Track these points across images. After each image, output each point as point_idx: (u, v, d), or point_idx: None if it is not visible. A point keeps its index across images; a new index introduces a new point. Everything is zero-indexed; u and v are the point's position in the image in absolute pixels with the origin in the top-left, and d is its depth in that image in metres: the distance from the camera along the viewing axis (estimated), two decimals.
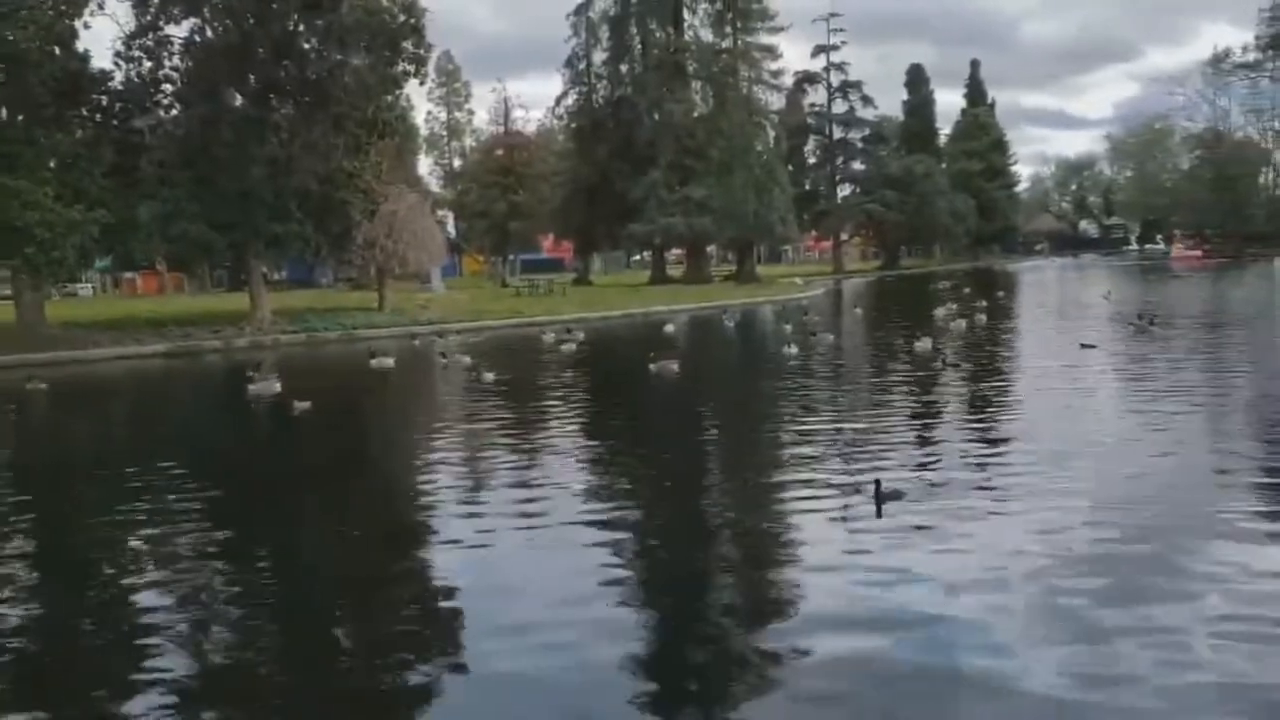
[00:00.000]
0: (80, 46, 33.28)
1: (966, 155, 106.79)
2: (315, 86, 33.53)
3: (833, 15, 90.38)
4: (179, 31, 34.12)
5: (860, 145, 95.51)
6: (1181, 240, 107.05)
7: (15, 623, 7.39)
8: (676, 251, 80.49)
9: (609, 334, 34.44)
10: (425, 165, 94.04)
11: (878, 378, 19.80)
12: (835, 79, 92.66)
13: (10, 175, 29.18)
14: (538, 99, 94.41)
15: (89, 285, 73.28)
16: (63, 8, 31.85)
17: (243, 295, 41.87)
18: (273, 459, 14.61)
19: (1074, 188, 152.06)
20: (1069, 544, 7.98)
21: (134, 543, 9.40)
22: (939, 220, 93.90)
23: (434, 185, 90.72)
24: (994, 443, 12.43)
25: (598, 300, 48.36)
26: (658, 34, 72.34)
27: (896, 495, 9.29)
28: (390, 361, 23.94)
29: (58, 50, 31.75)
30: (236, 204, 33.13)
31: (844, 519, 9.01)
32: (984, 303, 36.18)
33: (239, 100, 34.67)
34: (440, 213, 75.84)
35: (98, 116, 34.09)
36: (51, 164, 32.05)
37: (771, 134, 77.84)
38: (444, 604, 7.62)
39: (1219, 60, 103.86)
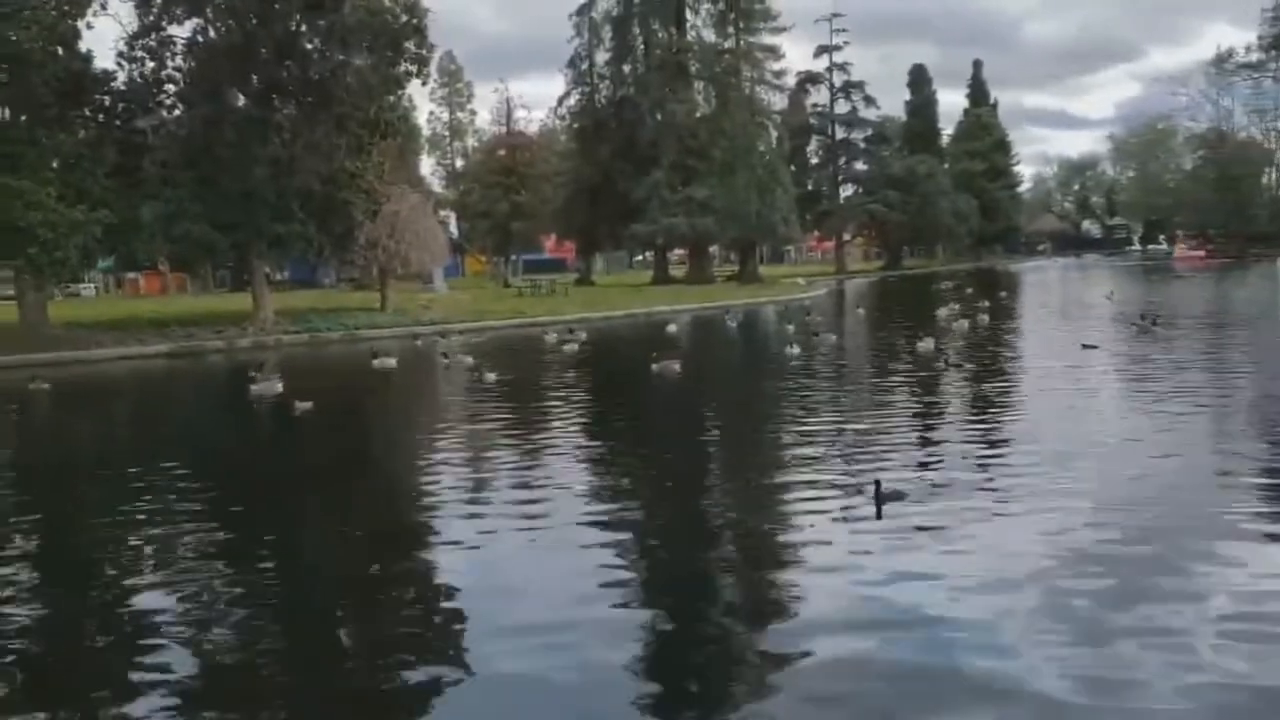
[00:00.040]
0: (83, 47, 33.38)
1: (969, 155, 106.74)
2: (318, 87, 33.54)
3: (835, 15, 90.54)
4: (182, 32, 34.22)
5: (863, 145, 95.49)
6: (1184, 240, 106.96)
7: (18, 622, 7.39)
8: (679, 252, 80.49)
9: (611, 334, 34.43)
10: (428, 165, 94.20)
11: (880, 378, 19.80)
12: (838, 79, 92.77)
13: (13, 175, 29.22)
14: (540, 99, 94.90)
15: (92, 285, 73.39)
16: (65, 8, 31.90)
17: (245, 295, 41.89)
18: (274, 459, 14.61)
19: (1076, 188, 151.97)
20: (1071, 545, 7.96)
21: (136, 542, 9.43)
22: (941, 220, 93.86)
23: (436, 185, 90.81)
24: (996, 443, 12.42)
25: (600, 300, 48.35)
26: (660, 34, 72.35)
27: (897, 496, 9.28)
28: (392, 362, 23.94)
29: (60, 50, 31.80)
30: (239, 204, 33.14)
31: (845, 519, 9.00)
32: (986, 303, 36.17)
33: (241, 100, 34.67)
34: (442, 213, 75.81)
35: (100, 117, 34.13)
36: (54, 164, 32.08)
37: (774, 134, 77.88)
38: (446, 604, 7.62)
39: (1222, 60, 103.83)
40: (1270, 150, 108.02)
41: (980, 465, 11.05)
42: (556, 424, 15.67)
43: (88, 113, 33.82)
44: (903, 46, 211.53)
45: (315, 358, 30.37)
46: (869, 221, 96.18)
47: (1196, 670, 5.75)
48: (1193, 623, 6.39)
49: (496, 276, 78.30)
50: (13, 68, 30.50)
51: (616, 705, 5.70)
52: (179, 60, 34.10)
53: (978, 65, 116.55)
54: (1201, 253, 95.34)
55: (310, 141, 33.38)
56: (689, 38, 72.71)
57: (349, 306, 42.16)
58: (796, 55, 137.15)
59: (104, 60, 34.31)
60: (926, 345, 22.79)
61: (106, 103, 34.07)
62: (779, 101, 78.48)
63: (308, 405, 17.20)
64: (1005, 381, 18.71)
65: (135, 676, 6.36)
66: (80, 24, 32.75)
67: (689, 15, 72.94)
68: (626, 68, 73.32)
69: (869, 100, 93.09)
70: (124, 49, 33.53)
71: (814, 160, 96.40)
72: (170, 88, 34.42)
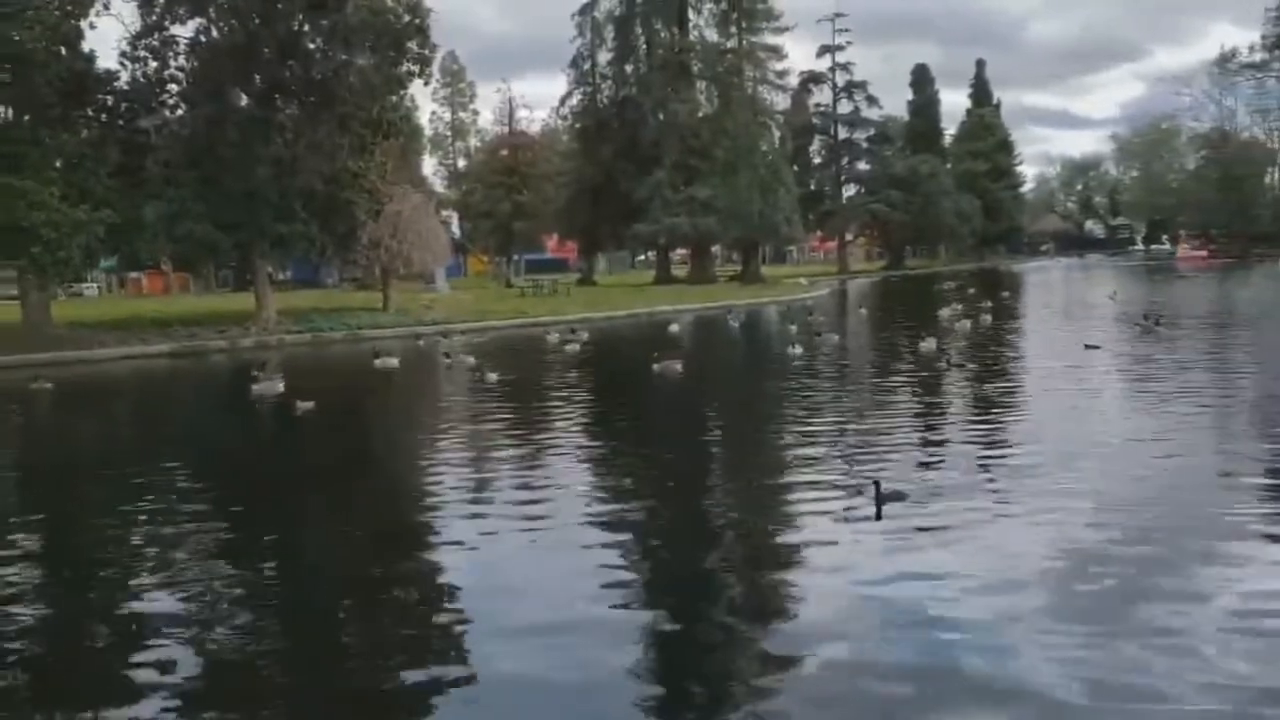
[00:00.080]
0: (86, 47, 33.35)
1: (972, 155, 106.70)
2: (320, 86, 33.56)
3: (838, 15, 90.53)
4: (184, 31, 34.21)
5: (865, 145, 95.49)
6: (1187, 240, 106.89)
7: (20, 622, 7.40)
8: (681, 252, 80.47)
9: (613, 334, 34.44)
10: (430, 165, 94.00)
11: (882, 378, 19.78)
12: (840, 79, 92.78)
13: (16, 175, 29.25)
14: (542, 99, 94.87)
15: (94, 285, 73.47)
16: (68, 8, 31.92)
17: (248, 295, 41.92)
18: (275, 459, 14.61)
19: (1079, 188, 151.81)
20: (1074, 545, 7.95)
21: (138, 542, 9.43)
22: (944, 220, 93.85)
23: (439, 185, 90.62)
24: (998, 444, 12.40)
25: (602, 300, 48.35)
26: (663, 34, 72.33)
27: (898, 496, 9.27)
28: (394, 361, 23.95)
29: (63, 50, 31.80)
30: (242, 204, 33.17)
31: (846, 520, 8.99)
32: (989, 303, 36.16)
33: (244, 100, 34.70)
34: (445, 213, 75.91)
35: (103, 116, 34.14)
36: (57, 164, 32.10)
37: (776, 134, 77.84)
38: (447, 605, 7.61)
39: (1225, 60, 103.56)
40: (1273, 150, 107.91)
41: (982, 465, 11.03)
42: (558, 424, 15.67)
43: (91, 112, 33.83)
44: (905, 46, 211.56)
45: (318, 357, 30.38)
46: (871, 221, 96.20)
47: (1201, 671, 5.74)
48: (1196, 624, 6.38)
49: (498, 276, 78.34)
50: (16, 68, 30.53)
51: (618, 706, 5.69)
52: (182, 60, 34.13)
53: (980, 65, 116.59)
54: (1204, 253, 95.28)
55: (313, 141, 33.40)
56: (691, 37, 72.75)
57: (351, 306, 42.19)
58: (799, 55, 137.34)
59: (107, 60, 34.39)
60: (929, 345, 22.78)
61: (109, 102, 34.09)
62: (781, 101, 78.52)
63: (309, 405, 17.21)
64: (1007, 382, 18.69)
65: (137, 676, 6.35)
66: (83, 24, 32.75)
67: (691, 15, 72.99)
68: (629, 67, 73.32)
69: (871, 100, 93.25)
70: (127, 49, 33.58)
71: (816, 160, 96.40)
72: (173, 87, 34.44)
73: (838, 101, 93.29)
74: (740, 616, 7.14)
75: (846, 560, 7.95)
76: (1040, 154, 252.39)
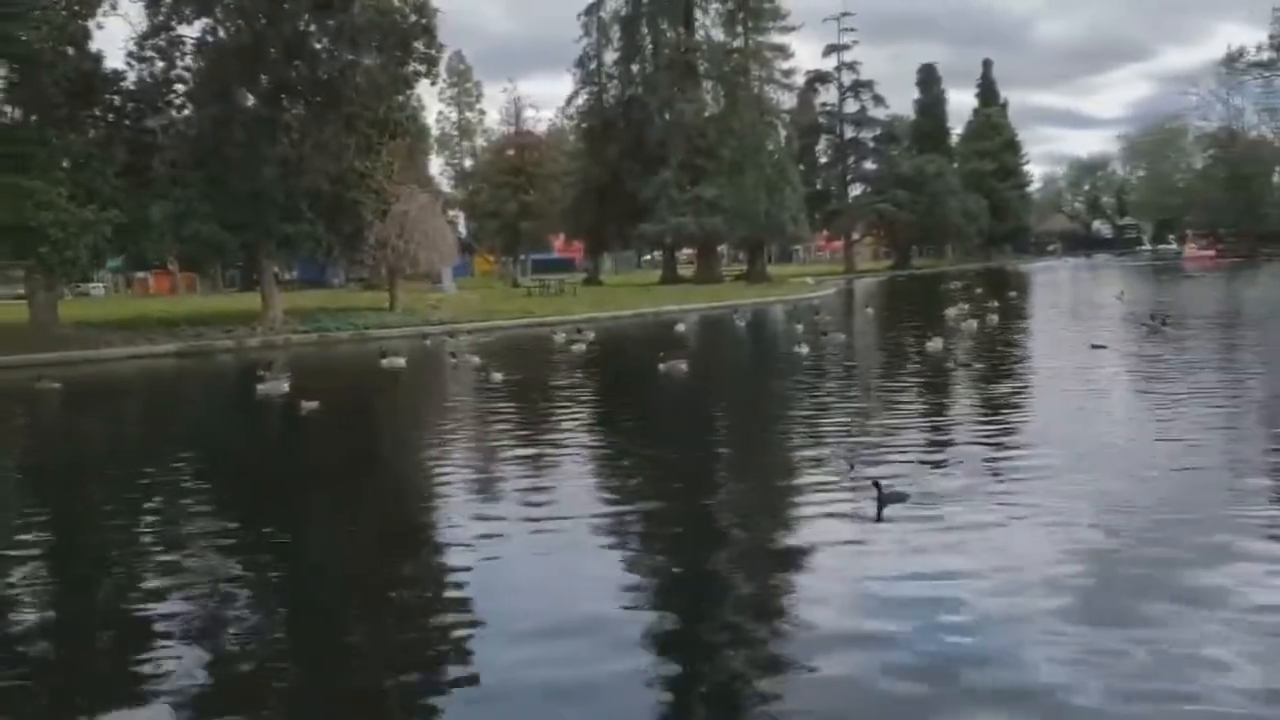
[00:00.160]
0: (93, 47, 33.54)
1: (979, 155, 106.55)
2: (327, 86, 33.59)
3: (844, 15, 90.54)
4: (191, 31, 34.28)
5: (872, 145, 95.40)
6: (1195, 240, 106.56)
7: (25, 621, 7.42)
8: (687, 251, 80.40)
9: (620, 334, 34.42)
10: (436, 165, 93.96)
11: (889, 378, 19.74)
12: (847, 78, 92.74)
13: (24, 175, 29.35)
14: (548, 99, 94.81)
15: (101, 285, 73.60)
16: (76, 8, 32.04)
17: (254, 295, 41.98)
18: (279, 459, 14.63)
19: (1087, 188, 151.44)
20: (1079, 546, 7.93)
21: (143, 542, 9.46)
22: (951, 220, 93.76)
23: (445, 185, 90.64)
24: (1004, 444, 12.37)
25: (608, 300, 48.36)
26: (669, 34, 72.29)
27: (900, 498, 9.24)
28: (401, 361, 23.97)
29: (71, 50, 31.92)
30: (248, 204, 33.22)
31: (850, 519, 8.98)
32: (996, 303, 36.05)
33: (251, 100, 34.76)
34: (451, 213, 75.94)
35: (110, 116, 34.23)
36: (65, 164, 32.21)
37: (783, 133, 77.68)
38: (453, 605, 7.60)
39: (1233, 59, 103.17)
40: None
41: (988, 465, 11.02)
42: (564, 424, 15.66)
43: (98, 112, 33.93)
44: (912, 46, 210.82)
45: (324, 357, 30.42)
46: (878, 221, 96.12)
47: (1212, 673, 5.71)
48: (1203, 626, 6.36)
49: (505, 276, 78.37)
50: (23, 68, 30.65)
51: (624, 709, 5.70)
52: (188, 60, 34.19)
53: (987, 65, 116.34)
54: (1211, 252, 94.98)
55: (319, 141, 33.44)
56: (697, 37, 72.69)
57: (358, 306, 42.24)
58: (805, 54, 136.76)
59: (114, 60, 34.54)
60: (935, 345, 22.74)
61: (116, 102, 34.18)
62: (788, 101, 78.49)
63: (313, 405, 17.21)
64: (1014, 382, 18.62)
65: (141, 676, 6.36)
66: (90, 24, 32.92)
67: (697, 14, 72.92)
68: (635, 67, 73.34)
69: (878, 99, 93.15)
70: (134, 49, 33.63)
71: (823, 159, 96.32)
72: (180, 87, 34.49)
73: (844, 101, 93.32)
74: (745, 618, 7.11)
75: (851, 561, 7.94)
76: (1047, 154, 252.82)
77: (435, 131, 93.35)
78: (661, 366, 20.71)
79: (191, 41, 34.15)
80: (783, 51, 73.69)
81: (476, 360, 23.75)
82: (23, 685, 6.41)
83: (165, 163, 33.59)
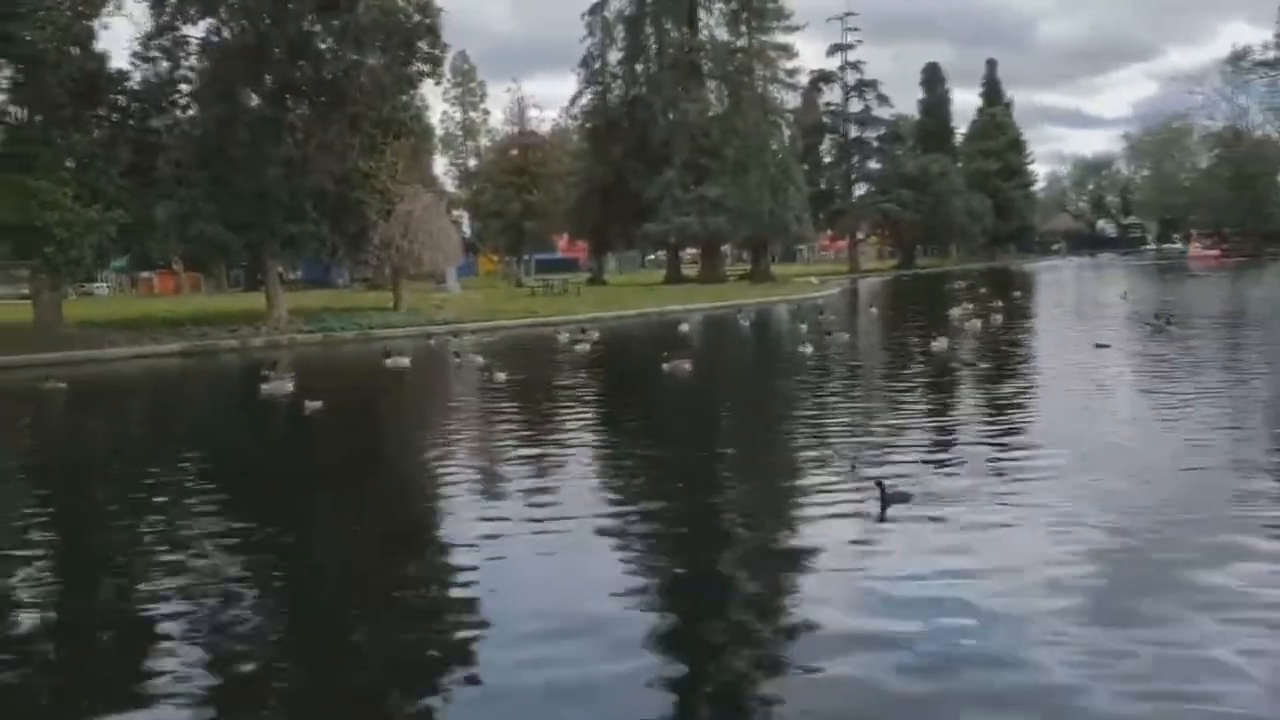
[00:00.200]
0: (98, 47, 33.58)
1: (983, 154, 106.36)
2: (331, 86, 33.63)
3: (848, 14, 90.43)
4: (196, 32, 34.37)
5: (876, 144, 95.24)
6: (1199, 239, 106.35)
7: (30, 620, 7.44)
8: (691, 251, 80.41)
9: (623, 333, 34.43)
10: (440, 165, 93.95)
11: (893, 378, 19.72)
12: (851, 78, 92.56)
13: (29, 175, 29.40)
14: (552, 99, 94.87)
15: (106, 285, 73.68)
16: (80, 8, 32.09)
17: (259, 295, 42.04)
18: (282, 459, 14.64)
19: (1091, 187, 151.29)
20: (1083, 547, 7.92)
21: (147, 541, 9.46)
22: (955, 220, 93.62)
23: (449, 185, 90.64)
24: (1008, 444, 12.35)
25: (612, 300, 48.35)
26: (673, 33, 72.25)
27: (903, 498, 9.23)
28: (405, 361, 23.99)
29: (76, 51, 31.97)
30: (252, 204, 33.26)
31: (855, 518, 8.97)
32: (1000, 303, 36.02)
33: (255, 100, 34.80)
34: (455, 213, 75.96)
35: (115, 116, 34.29)
36: (69, 164, 32.25)
37: (787, 133, 77.62)
38: (456, 606, 7.61)
39: (1238, 58, 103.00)
40: None
41: (992, 465, 11.00)
42: (568, 424, 15.66)
43: (102, 112, 33.98)
44: (916, 45, 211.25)
45: (329, 357, 30.45)
46: (882, 220, 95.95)
47: (1214, 674, 5.70)
48: (1209, 626, 6.34)
49: (509, 276, 78.34)
50: (28, 68, 30.69)
51: (627, 710, 5.69)
52: (193, 60, 34.26)
53: (992, 64, 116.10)
54: (1216, 252, 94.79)
55: (324, 141, 33.47)
56: (701, 36, 72.64)
57: (362, 306, 42.26)
58: (810, 54, 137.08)
59: (118, 60, 34.60)
60: (940, 345, 22.72)
61: (121, 102, 34.25)
62: (792, 100, 78.39)
63: (317, 405, 17.23)
64: (1018, 382, 18.60)
65: (144, 675, 6.37)
66: (95, 24, 32.97)
67: (701, 14, 72.86)
68: (639, 67, 73.30)
69: (882, 99, 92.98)
70: (138, 49, 33.74)
71: (827, 159, 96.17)
72: (184, 87, 34.57)
73: (848, 100, 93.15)
74: (748, 618, 7.10)
75: (855, 562, 7.93)
76: (1052, 153, 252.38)
77: (439, 131, 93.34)
78: (665, 366, 20.71)
79: (196, 41, 34.25)
80: (787, 51, 73.69)
81: (480, 360, 23.75)
82: (25, 685, 6.42)
83: (170, 163, 33.64)
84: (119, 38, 36.17)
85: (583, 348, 26.85)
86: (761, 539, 8.96)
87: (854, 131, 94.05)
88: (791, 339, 28.94)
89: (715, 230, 67.26)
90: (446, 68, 43.30)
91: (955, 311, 32.92)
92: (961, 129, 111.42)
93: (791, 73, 75.57)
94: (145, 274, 76.08)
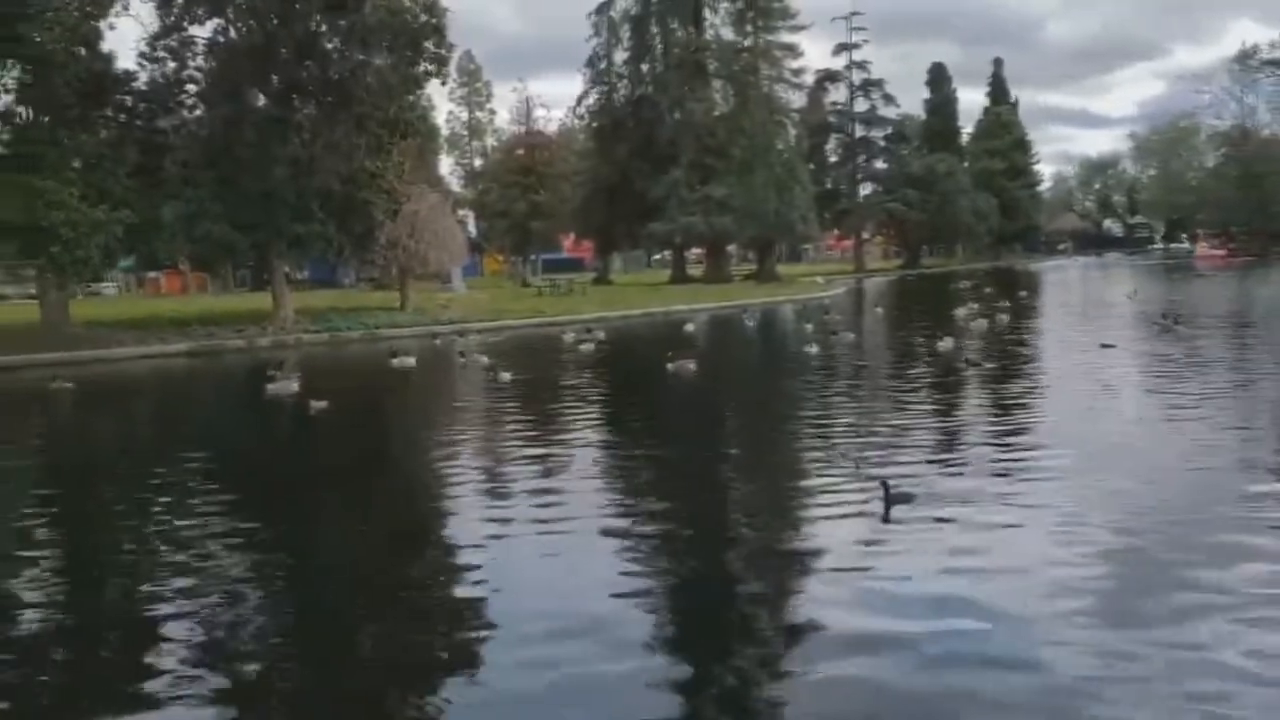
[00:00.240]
0: (105, 47, 33.68)
1: (989, 154, 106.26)
2: (337, 86, 33.67)
3: (854, 14, 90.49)
4: (202, 32, 34.40)
5: (882, 144, 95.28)
6: (1206, 239, 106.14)
7: (35, 619, 7.46)
8: (697, 251, 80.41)
9: (629, 333, 34.43)
10: (446, 165, 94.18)
11: (898, 378, 19.70)
12: (857, 77, 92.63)
13: (36, 175, 29.49)
14: (558, 99, 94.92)
15: (113, 285, 73.87)
16: (88, 9, 32.17)
17: (265, 295, 42.09)
18: (286, 459, 14.66)
19: (1098, 186, 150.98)
20: (1089, 548, 7.90)
21: (153, 541, 9.49)
22: (961, 219, 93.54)
23: (455, 185, 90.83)
24: (1013, 444, 12.32)
25: (618, 299, 48.36)
26: (679, 33, 72.28)
27: (906, 498, 9.22)
28: (411, 361, 24.00)
29: (83, 51, 32.04)
30: (259, 204, 33.31)
31: (859, 518, 8.97)
32: (1006, 302, 35.98)
33: (262, 100, 34.84)
34: (461, 212, 76.09)
35: (122, 117, 34.38)
36: (76, 164, 32.33)
37: (793, 132, 77.65)
38: (461, 606, 7.58)
39: (1246, 57, 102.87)
40: None
41: (998, 465, 10.98)
42: (573, 424, 15.68)
43: (109, 113, 34.07)
44: (922, 45, 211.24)
45: (335, 357, 30.49)
46: (888, 220, 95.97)
47: (1221, 675, 5.68)
48: (1216, 627, 6.31)
49: (515, 276, 78.48)
50: (36, 68, 30.81)
51: (628, 709, 5.70)
52: (200, 60, 34.31)
53: (998, 63, 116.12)
54: (1223, 251, 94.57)
55: (330, 141, 33.51)
56: (707, 36, 72.65)
57: (369, 306, 42.32)
58: (815, 53, 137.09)
59: (125, 61, 34.69)
60: (946, 345, 22.70)
61: (128, 103, 34.33)
62: (797, 100, 78.25)
63: (322, 405, 17.26)
64: (1024, 382, 18.56)
65: (148, 674, 6.36)
66: (102, 25, 33.06)
67: (707, 14, 72.88)
68: (645, 67, 73.31)
69: (888, 98, 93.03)
70: (145, 49, 33.78)
71: (833, 159, 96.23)
72: (191, 88, 34.62)
73: (854, 100, 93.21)
74: (752, 619, 7.10)
75: (859, 562, 7.91)
76: (1058, 153, 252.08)
77: (445, 131, 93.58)
78: (670, 366, 20.71)
79: (203, 42, 34.29)
80: (792, 50, 73.61)
81: (486, 360, 23.77)
82: (30, 684, 6.44)
83: (176, 163, 33.68)
84: (126, 38, 36.47)
85: (588, 347, 26.86)
86: (765, 539, 8.95)
87: (859, 131, 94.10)
88: (797, 339, 28.94)
89: (721, 230, 67.23)
90: (453, 68, 43.35)
91: (961, 311, 32.87)
92: (967, 128, 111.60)
93: (797, 72, 75.56)
94: (152, 274, 76.28)
